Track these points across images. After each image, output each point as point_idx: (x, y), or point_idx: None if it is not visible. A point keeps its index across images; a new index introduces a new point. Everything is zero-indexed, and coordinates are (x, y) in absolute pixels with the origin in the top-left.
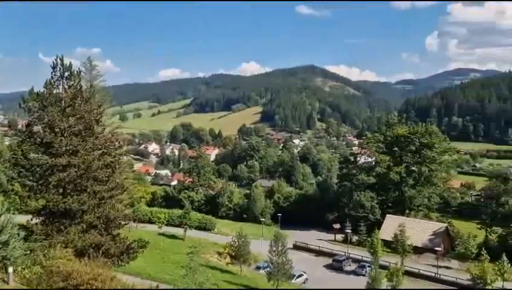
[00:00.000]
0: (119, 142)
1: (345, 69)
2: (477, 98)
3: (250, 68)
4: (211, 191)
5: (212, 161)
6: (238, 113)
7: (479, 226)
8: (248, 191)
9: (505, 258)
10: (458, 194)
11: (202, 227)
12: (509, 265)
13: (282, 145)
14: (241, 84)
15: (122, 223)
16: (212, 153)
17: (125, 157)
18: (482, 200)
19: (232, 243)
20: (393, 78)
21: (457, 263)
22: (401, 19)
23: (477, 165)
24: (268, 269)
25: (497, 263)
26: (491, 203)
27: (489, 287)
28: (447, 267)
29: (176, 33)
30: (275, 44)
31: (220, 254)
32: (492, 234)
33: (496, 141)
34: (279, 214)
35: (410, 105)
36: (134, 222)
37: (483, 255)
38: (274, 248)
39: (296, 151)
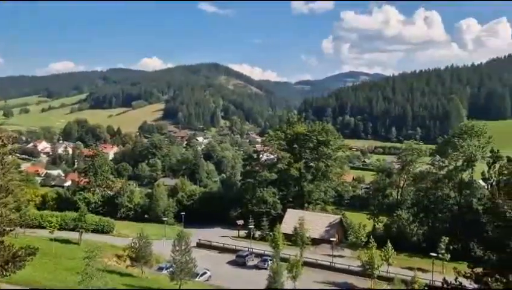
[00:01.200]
0: (2, 140)
1: (248, 68)
2: (366, 99)
3: (152, 63)
4: (109, 192)
5: (111, 160)
6: (138, 109)
7: (368, 216)
8: (150, 191)
9: (389, 244)
10: (350, 188)
11: (100, 230)
12: (393, 251)
13: (185, 142)
14: (142, 79)
15: (7, 229)
16: (111, 151)
17: (10, 156)
18: (370, 192)
19: (132, 244)
20: (293, 78)
21: (350, 252)
22: (300, 22)
23: (367, 160)
24: (171, 269)
25: (383, 249)
26: (378, 195)
27: (377, 272)
28: (340, 256)
29: (70, 25)
30: (177, 40)
31: (119, 256)
32: (379, 223)
33: (382, 138)
34: (183, 213)
35: (309, 104)
36: (21, 227)
37: (371, 242)
38: (177, 248)
39: (200, 149)
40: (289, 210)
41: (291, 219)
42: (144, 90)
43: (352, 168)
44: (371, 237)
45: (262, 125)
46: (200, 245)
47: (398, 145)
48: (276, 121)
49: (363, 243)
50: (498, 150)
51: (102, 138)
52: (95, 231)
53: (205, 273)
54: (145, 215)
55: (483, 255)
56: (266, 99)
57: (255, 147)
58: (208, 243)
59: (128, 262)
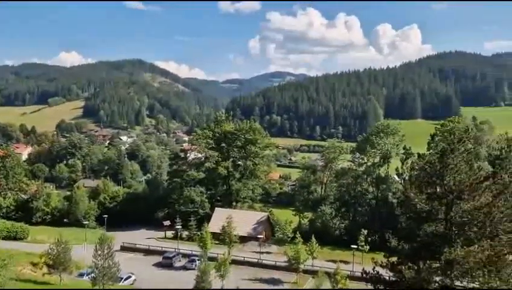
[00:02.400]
0: None
1: (175, 66)
2: (292, 99)
3: (70, 58)
4: (22, 195)
5: (24, 161)
6: (55, 107)
7: (294, 212)
8: (69, 193)
9: (314, 239)
10: (277, 185)
11: (12, 236)
12: (317, 245)
13: (108, 142)
14: (59, 75)
15: None
16: (25, 152)
17: None
18: (296, 189)
19: (49, 251)
20: (221, 77)
21: (277, 248)
22: (227, 21)
23: (293, 158)
24: (92, 274)
25: (308, 244)
26: (303, 191)
27: (302, 266)
28: (268, 253)
29: None
30: (99, 35)
31: (34, 264)
32: (305, 219)
33: (307, 136)
34: (105, 216)
35: (236, 103)
36: None
37: (297, 238)
38: (99, 252)
39: (123, 148)
40: (217, 209)
41: (219, 218)
42: (61, 86)
43: (279, 166)
44: (297, 232)
45: (190, 123)
46: (124, 248)
47: (322, 143)
48: (204, 120)
49: (290, 238)
50: (410, 147)
51: (14, 137)
52: (7, 237)
53: (130, 277)
54: (64, 220)
55: (397, 245)
56: (193, 98)
57: (182, 146)
58: (133, 246)
59: (45, 270)
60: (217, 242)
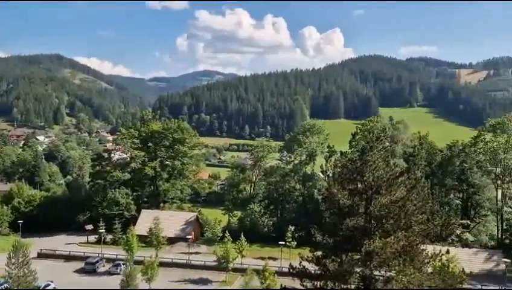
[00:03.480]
0: None
1: (97, 62)
2: (221, 98)
3: None
4: None
5: None
6: None
7: (223, 211)
8: None
9: (243, 237)
10: (207, 185)
11: None
12: (246, 243)
13: (23, 142)
14: None
15: None
16: None
17: None
18: (225, 188)
19: None
20: (147, 74)
21: (206, 248)
22: (154, 18)
23: (222, 157)
24: (6, 285)
25: (237, 243)
26: (232, 190)
27: (232, 265)
28: (197, 253)
29: None
30: (12, 27)
31: None
32: (234, 218)
33: (236, 136)
34: (20, 221)
35: (164, 102)
36: None
37: (226, 237)
38: (13, 260)
39: (40, 149)
40: (144, 211)
41: (146, 220)
42: None
43: (208, 165)
44: (226, 231)
45: (114, 123)
46: (42, 255)
47: (251, 142)
48: (130, 119)
49: (219, 238)
50: (333, 146)
51: None
52: None
53: (48, 285)
54: None
55: (322, 239)
56: (118, 96)
57: (105, 146)
58: (52, 253)
59: None
60: (143, 245)
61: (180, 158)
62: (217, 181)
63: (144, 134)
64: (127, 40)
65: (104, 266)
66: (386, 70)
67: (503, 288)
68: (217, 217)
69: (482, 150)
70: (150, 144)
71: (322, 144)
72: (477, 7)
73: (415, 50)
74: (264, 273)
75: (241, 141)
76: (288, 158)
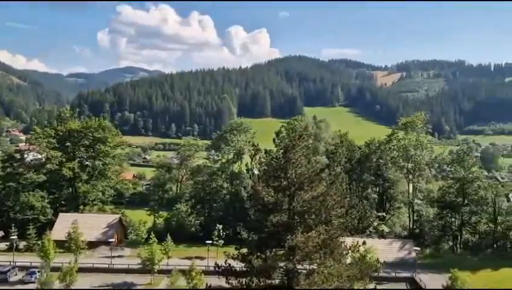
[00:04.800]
0: None
1: (8, 56)
2: (146, 96)
3: None
4: None
5: None
6: None
7: (148, 212)
8: None
9: (169, 238)
10: (131, 185)
11: None
12: (173, 243)
13: None
14: None
15: None
16: None
17: None
18: (151, 188)
19: None
20: (65, 70)
21: (130, 250)
22: (72, 11)
23: (147, 157)
24: None
25: (163, 244)
26: (158, 190)
27: (157, 267)
28: (120, 256)
29: None
30: None
31: None
32: (160, 218)
33: (162, 134)
34: None
35: (83, 99)
36: None
37: (151, 238)
38: None
39: None
40: (61, 214)
41: (64, 224)
42: None
43: (132, 165)
44: (152, 232)
45: (28, 121)
46: None
47: (177, 141)
48: (45, 117)
49: (144, 239)
50: (258, 144)
51: None
52: None
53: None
54: None
55: (248, 237)
56: (32, 92)
57: (17, 146)
58: None
59: None
60: (62, 250)
61: (101, 158)
62: (142, 181)
63: (62, 133)
64: (42, 33)
65: (16, 274)
66: (310, 71)
67: (414, 273)
68: (141, 219)
69: (395, 147)
70: (68, 144)
71: (249, 142)
72: (393, 13)
73: (337, 52)
74: (191, 273)
75: (168, 140)
76: (215, 157)
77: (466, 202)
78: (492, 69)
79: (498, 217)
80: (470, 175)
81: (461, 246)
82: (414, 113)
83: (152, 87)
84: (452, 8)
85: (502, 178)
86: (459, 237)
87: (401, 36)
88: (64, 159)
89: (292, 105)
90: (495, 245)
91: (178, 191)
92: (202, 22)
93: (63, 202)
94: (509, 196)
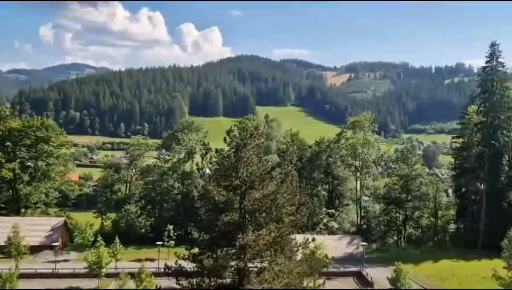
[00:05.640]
0: None
1: None
2: (93, 93)
3: None
4: None
5: None
6: None
7: (96, 214)
8: None
9: (117, 240)
10: (77, 187)
11: None
12: (121, 246)
13: None
14: None
15: None
16: None
17: None
18: (98, 189)
19: None
20: (4, 66)
21: (76, 254)
22: (13, 4)
23: (94, 157)
24: None
25: (111, 246)
26: (106, 191)
27: (105, 270)
28: (65, 260)
29: None
30: None
31: None
32: (107, 220)
33: (110, 134)
34: None
35: (25, 96)
36: None
37: (98, 241)
38: None
39: None
40: (1, 218)
41: (3, 228)
42: None
43: (78, 165)
44: (99, 235)
45: None
46: None
47: (126, 140)
48: None
49: (91, 243)
50: (208, 143)
51: None
52: None
53: None
54: None
55: (198, 236)
56: None
57: None
58: None
59: None
60: (1, 256)
61: (44, 158)
62: (88, 182)
63: (1, 132)
64: None
65: None
66: (262, 70)
67: (361, 267)
68: (88, 221)
69: (344, 145)
70: (7, 144)
71: (200, 141)
72: (341, 14)
73: (288, 52)
74: (141, 275)
75: (116, 139)
76: (166, 156)
77: (409, 197)
78: (433, 71)
79: (438, 212)
80: (413, 172)
81: (405, 240)
82: (362, 113)
83: (99, 85)
84: (396, 11)
85: (442, 175)
86: (403, 232)
87: (349, 37)
88: (3, 160)
89: (244, 104)
90: (435, 238)
91: (127, 192)
92: (152, 19)
93: (2, 205)
94: (449, 191)
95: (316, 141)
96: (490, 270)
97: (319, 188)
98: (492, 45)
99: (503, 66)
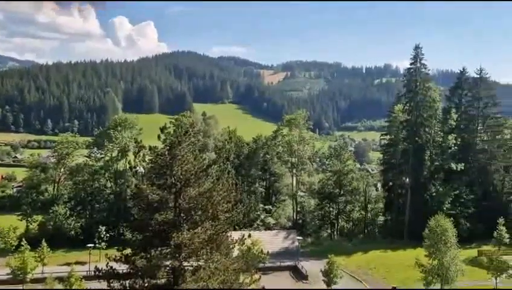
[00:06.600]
0: None
1: None
2: (16, 88)
3: None
4: None
5: None
6: None
7: (20, 217)
8: None
9: (44, 244)
10: None
11: None
12: (49, 250)
13: None
14: None
15: None
16: None
17: None
18: (23, 190)
19: None
20: None
21: None
22: None
23: (19, 156)
24: None
25: (37, 250)
26: (31, 192)
27: (30, 276)
28: None
29: None
30: None
31: None
32: (33, 223)
33: (36, 131)
34: None
35: None
36: None
37: (23, 245)
38: None
39: None
40: None
41: None
42: None
43: (1, 165)
44: (23, 239)
45: None
46: None
47: (54, 138)
48: None
49: (14, 247)
50: (141, 140)
51: None
52: None
53: None
54: None
55: (131, 237)
56: None
57: None
58: None
59: None
60: None
61: None
62: (12, 183)
63: None
64: None
65: None
66: (199, 67)
67: (297, 261)
68: (11, 224)
69: (280, 142)
70: None
71: (135, 138)
72: (278, 16)
73: (226, 50)
74: (70, 279)
75: (43, 137)
76: (98, 155)
77: (342, 192)
78: (364, 71)
79: (368, 205)
80: (346, 168)
81: (338, 233)
82: (297, 111)
83: (24, 79)
84: (328, 11)
85: (372, 170)
86: (336, 225)
87: (285, 37)
88: None
89: (181, 101)
90: (365, 230)
91: (55, 192)
92: (83, 11)
93: None
94: (378, 185)
95: (254, 138)
96: (413, 259)
97: (257, 184)
98: (416, 47)
99: (426, 68)
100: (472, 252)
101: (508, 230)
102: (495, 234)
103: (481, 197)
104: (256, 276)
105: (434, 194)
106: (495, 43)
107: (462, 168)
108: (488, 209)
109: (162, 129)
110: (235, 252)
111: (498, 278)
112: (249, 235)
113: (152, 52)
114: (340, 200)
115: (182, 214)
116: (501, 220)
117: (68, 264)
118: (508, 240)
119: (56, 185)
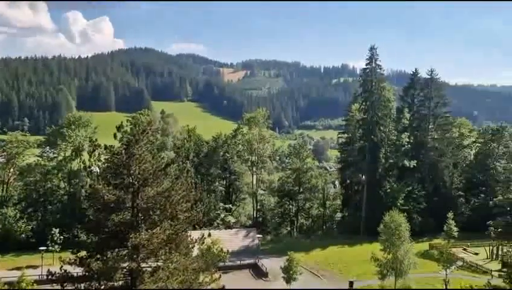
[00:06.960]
0: None
1: None
2: None
3: None
4: None
5: None
6: None
7: None
8: None
9: None
10: None
11: None
12: None
13: None
14: None
15: None
16: None
17: None
18: None
19: None
20: None
21: None
22: None
23: None
24: None
25: None
26: None
27: None
28: None
29: None
30: None
31: None
32: None
33: None
34: None
35: None
36: None
37: None
38: None
39: None
40: None
41: None
42: None
43: None
44: None
45: None
46: None
47: (3, 137)
48: None
49: None
50: (96, 139)
51: None
52: None
53: None
54: None
55: (86, 239)
56: None
57: None
58: None
59: None
60: None
61: None
62: None
63: None
64: None
65: None
66: (157, 64)
67: (257, 259)
68: None
69: (240, 141)
70: None
71: (89, 137)
72: (236, 11)
73: (184, 47)
74: (20, 284)
75: None
76: (51, 154)
77: (301, 190)
78: (322, 71)
79: (326, 202)
80: (305, 166)
81: (297, 230)
82: (257, 109)
83: None
84: (287, 10)
85: (330, 168)
86: (295, 222)
87: (244, 35)
88: None
89: (139, 99)
90: (324, 227)
91: (4, 194)
92: (34, 5)
93: None
94: (336, 183)
95: (213, 137)
96: (370, 253)
97: (216, 183)
98: (372, 48)
99: (381, 68)
100: (424, 246)
101: (456, 224)
102: (445, 227)
103: (432, 193)
104: (216, 275)
105: (388, 190)
106: (445, 44)
107: (415, 165)
108: (439, 204)
109: (119, 128)
110: (195, 252)
111: (448, 269)
112: (209, 235)
113: (108, 49)
114: (299, 198)
115: (139, 214)
116: (450, 215)
117: (18, 268)
118: (456, 233)
119: (5, 186)
